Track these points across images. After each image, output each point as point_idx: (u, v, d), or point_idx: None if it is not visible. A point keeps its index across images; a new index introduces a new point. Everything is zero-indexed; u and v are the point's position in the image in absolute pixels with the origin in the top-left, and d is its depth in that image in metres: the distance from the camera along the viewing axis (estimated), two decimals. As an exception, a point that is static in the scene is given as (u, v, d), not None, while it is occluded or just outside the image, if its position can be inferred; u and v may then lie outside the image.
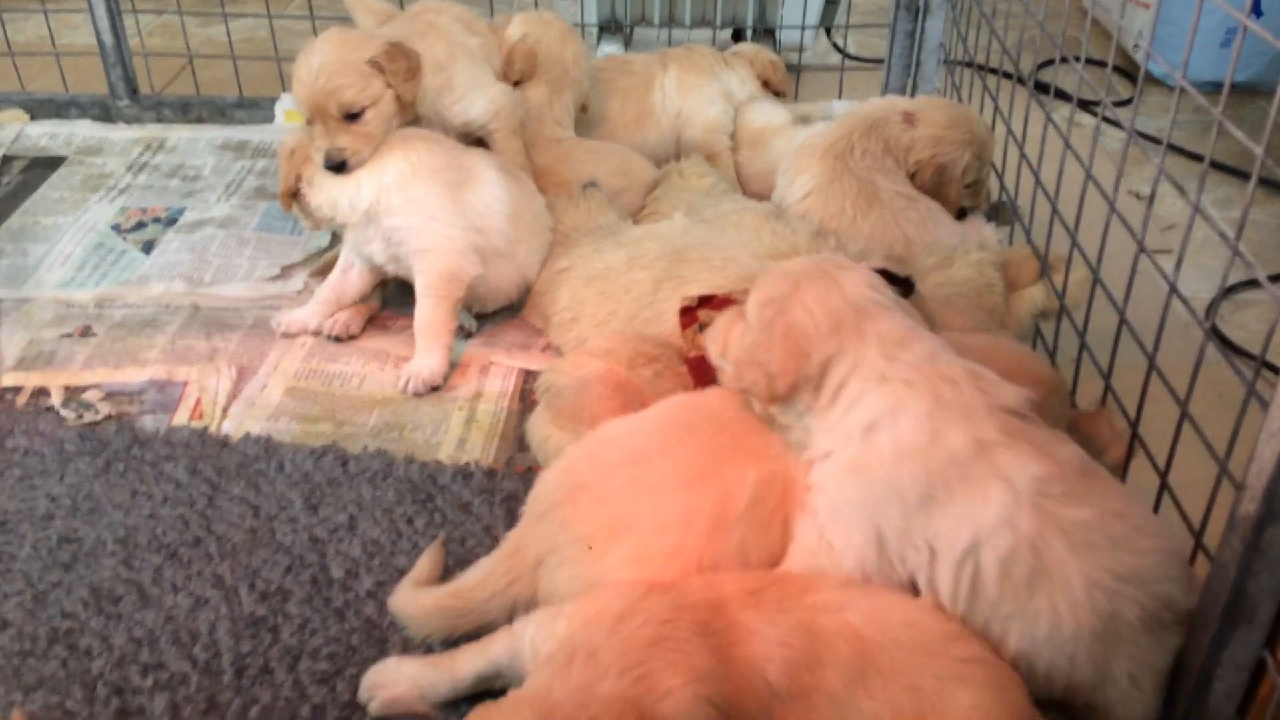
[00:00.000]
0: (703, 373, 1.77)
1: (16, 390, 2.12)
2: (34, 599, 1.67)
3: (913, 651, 1.29)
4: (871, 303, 1.45)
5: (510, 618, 1.60)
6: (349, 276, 2.29)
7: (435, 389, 2.12)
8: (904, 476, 1.34)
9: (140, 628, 1.61)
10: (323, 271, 2.44)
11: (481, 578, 1.61)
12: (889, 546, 1.37)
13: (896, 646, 1.30)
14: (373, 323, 2.34)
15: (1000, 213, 2.55)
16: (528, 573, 1.58)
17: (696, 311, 1.82)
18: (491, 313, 2.36)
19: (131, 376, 2.16)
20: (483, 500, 1.83)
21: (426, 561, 1.67)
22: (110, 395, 2.11)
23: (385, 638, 1.60)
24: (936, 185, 2.35)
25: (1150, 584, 1.31)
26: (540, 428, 1.81)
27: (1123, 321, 1.73)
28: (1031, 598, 1.31)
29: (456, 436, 2.02)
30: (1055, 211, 1.99)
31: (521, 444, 1.97)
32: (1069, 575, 1.29)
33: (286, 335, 2.29)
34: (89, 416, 2.04)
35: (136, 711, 1.50)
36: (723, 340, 1.58)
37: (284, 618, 1.63)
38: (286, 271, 2.50)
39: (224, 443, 1.97)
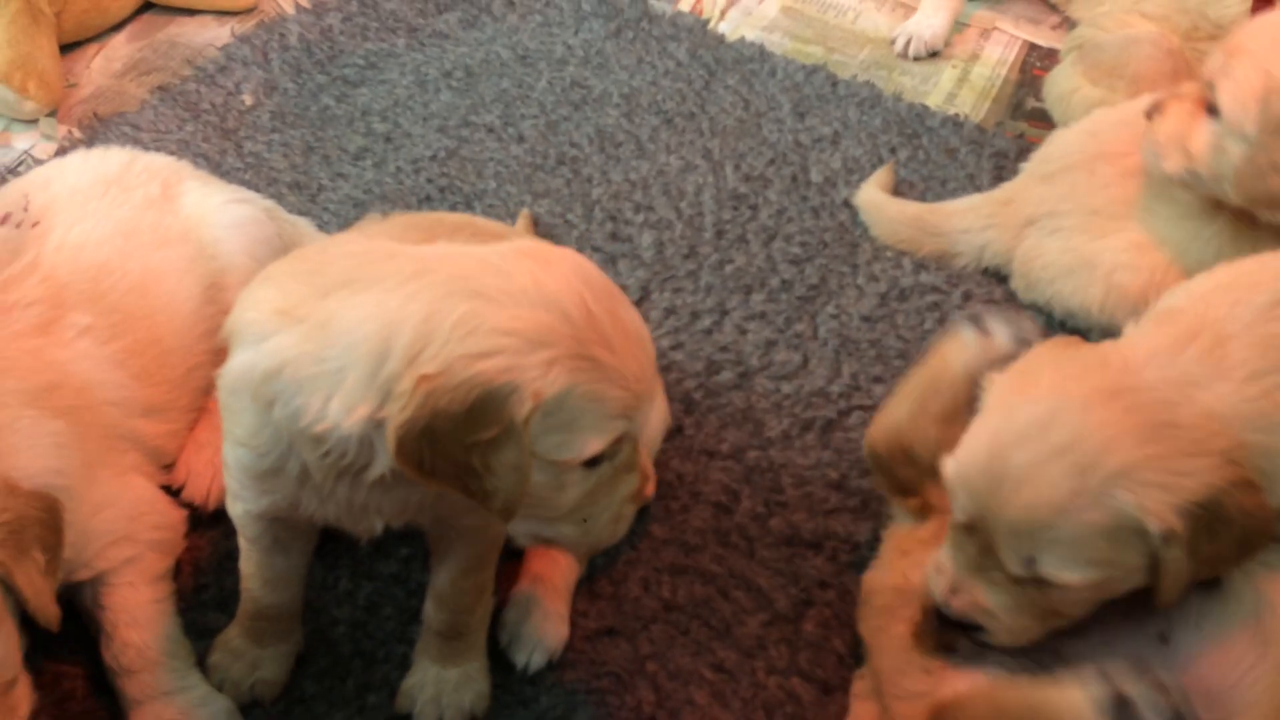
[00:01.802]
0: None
1: (539, -50, 2.23)
2: (547, 125, 1.81)
3: None
4: None
5: (977, 262, 1.58)
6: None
7: (934, 54, 2.02)
8: None
9: (635, 173, 1.72)
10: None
11: (964, 209, 1.59)
12: None
13: None
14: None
15: None
16: (1012, 227, 1.54)
17: (1279, -1, 1.60)
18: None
19: (641, -38, 2.21)
20: (970, 150, 1.77)
21: (885, 173, 1.68)
22: (621, -26, 2.18)
23: (856, 242, 1.62)
24: None
25: None
26: (1068, 80, 1.70)
27: None
28: None
29: (946, 91, 1.95)
30: None
31: (1015, 111, 1.88)
32: None
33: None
34: (603, -13, 2.11)
35: (626, 239, 1.62)
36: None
37: (763, 201, 1.69)
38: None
39: (720, 39, 2.00)
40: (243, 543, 1.07)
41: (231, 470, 0.99)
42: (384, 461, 0.86)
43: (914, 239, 1.59)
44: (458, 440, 0.81)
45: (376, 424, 0.83)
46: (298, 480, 0.93)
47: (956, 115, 1.85)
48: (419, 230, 1.01)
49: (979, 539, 0.96)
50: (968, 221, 1.57)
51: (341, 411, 0.84)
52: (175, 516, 1.19)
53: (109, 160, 1.33)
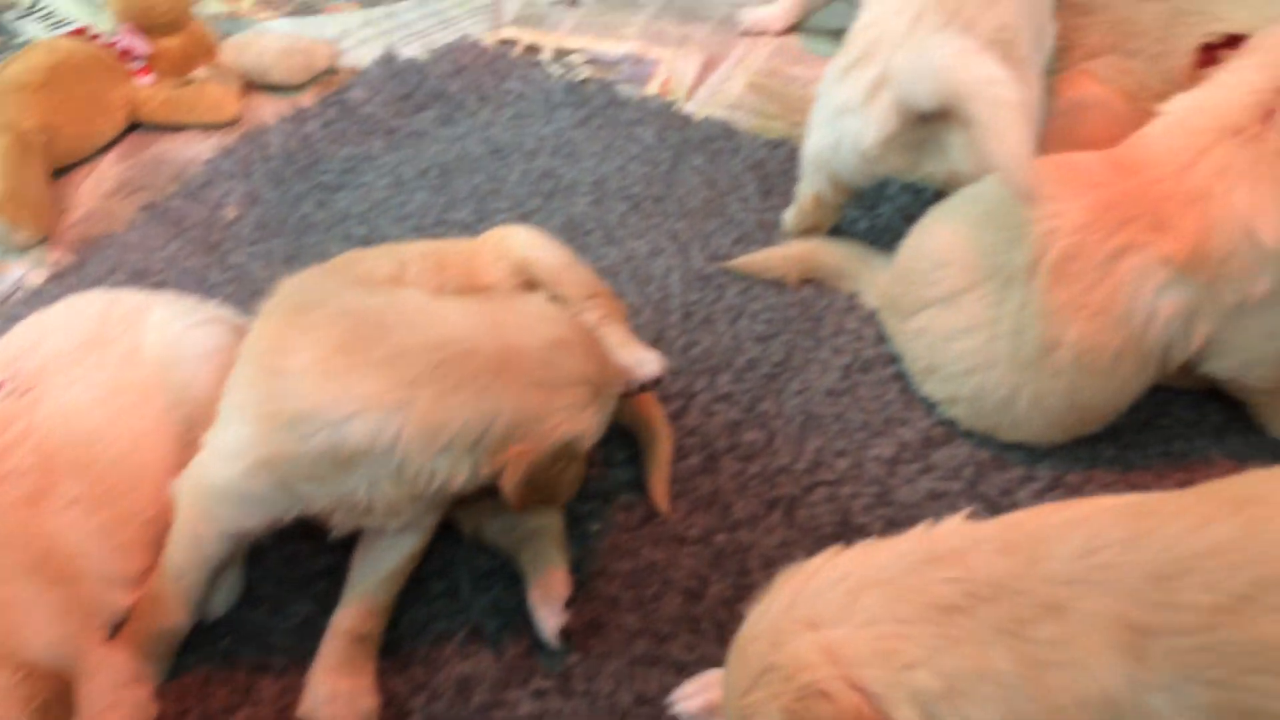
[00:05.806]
0: (1211, 120, 1.60)
1: (513, 43, 2.31)
2: (519, 218, 1.86)
3: None
4: None
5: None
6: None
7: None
8: None
9: (604, 260, 1.77)
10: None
11: None
12: None
13: None
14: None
15: None
16: None
17: (1218, 51, 1.63)
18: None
19: (610, 49, 2.28)
20: (931, 216, 1.80)
21: None
22: (592, 61, 2.25)
23: (820, 315, 1.66)
24: None
25: None
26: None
27: None
28: None
29: (909, 155, 1.99)
30: None
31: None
32: None
33: (748, 34, 2.31)
34: (573, 75, 2.19)
35: (596, 327, 1.67)
36: None
37: (729, 279, 1.73)
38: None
39: (687, 120, 2.06)
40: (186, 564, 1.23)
41: (222, 496, 1.20)
42: (462, 484, 1.18)
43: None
44: (546, 478, 1.19)
45: (472, 474, 1.17)
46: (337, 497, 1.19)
47: (919, 181, 1.89)
48: (390, 261, 1.35)
49: None
50: None
51: (446, 470, 1.16)
52: (146, 682, 1.24)
53: (87, 314, 1.37)
